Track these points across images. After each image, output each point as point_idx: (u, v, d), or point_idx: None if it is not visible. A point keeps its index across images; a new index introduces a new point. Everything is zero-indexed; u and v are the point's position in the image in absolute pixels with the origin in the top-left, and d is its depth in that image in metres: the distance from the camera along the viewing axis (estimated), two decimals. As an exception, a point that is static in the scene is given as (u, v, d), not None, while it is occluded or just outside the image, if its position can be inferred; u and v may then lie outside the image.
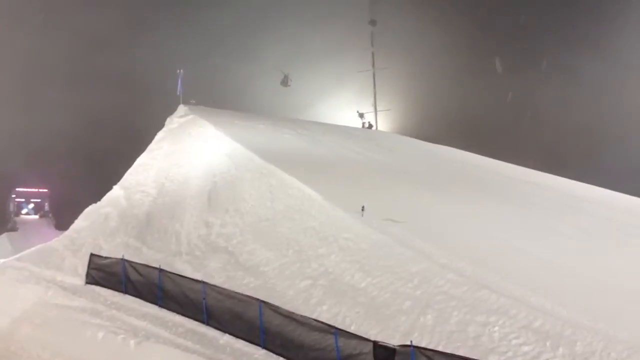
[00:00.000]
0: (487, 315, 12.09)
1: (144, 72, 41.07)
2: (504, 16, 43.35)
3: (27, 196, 46.38)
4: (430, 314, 12.68)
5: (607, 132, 38.51)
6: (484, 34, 44.11)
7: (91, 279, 18.85)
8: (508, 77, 43.03)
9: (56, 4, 41.72)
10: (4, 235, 38.57)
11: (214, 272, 17.13)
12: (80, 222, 23.52)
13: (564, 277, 14.46)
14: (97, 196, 25.01)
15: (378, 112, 49.39)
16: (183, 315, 15.59)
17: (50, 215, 45.33)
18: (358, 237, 16.26)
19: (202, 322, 15.04)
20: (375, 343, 11.44)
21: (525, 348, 11.07)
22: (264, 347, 13.48)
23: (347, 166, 25.53)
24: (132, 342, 13.92)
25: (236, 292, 14.84)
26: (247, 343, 13.83)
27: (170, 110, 30.87)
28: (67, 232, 23.22)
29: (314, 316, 13.28)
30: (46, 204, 46.52)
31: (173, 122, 29.43)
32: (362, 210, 17.35)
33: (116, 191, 24.89)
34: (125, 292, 17.59)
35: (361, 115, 45.19)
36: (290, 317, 13.16)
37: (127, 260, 17.96)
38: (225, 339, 14.21)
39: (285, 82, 43.60)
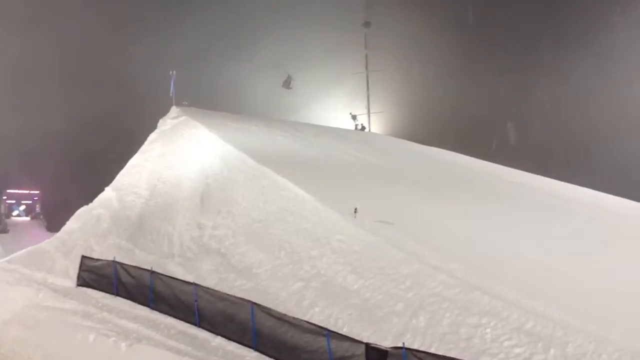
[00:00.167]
0: (479, 317, 12.12)
1: (137, 73, 40.94)
2: (496, 19, 43.55)
3: (18, 198, 46.08)
4: (422, 315, 12.70)
5: (597, 133, 38.76)
6: (476, 37, 44.33)
7: (82, 281, 18.75)
8: (500, 79, 43.20)
9: (48, 4, 41.54)
10: (-5, 237, 38.26)
11: (206, 274, 17.09)
12: (71, 224, 23.42)
13: (555, 278, 14.51)
14: (88, 198, 24.91)
15: (371, 114, 49.47)
16: (175, 317, 15.55)
17: (41, 217, 45.04)
18: (350, 239, 16.27)
19: (194, 324, 15.01)
20: (367, 345, 11.45)
21: (517, 350, 11.11)
22: (256, 349, 13.46)
23: (340, 168, 25.54)
24: (123, 344, 13.85)
25: (228, 294, 14.81)
26: (239, 345, 13.80)
27: (163, 112, 30.80)
28: (58, 234, 23.11)
29: (306, 318, 13.28)
30: (37, 205, 46.23)
31: (165, 124, 29.35)
32: (355, 212, 17.35)
33: (108, 193, 24.79)
34: (117, 294, 17.51)
35: (354, 117, 45.22)
36: (282, 319, 13.15)
37: (118, 262, 17.89)
38: (217, 341, 14.18)
39: (287, 84, 43.58)
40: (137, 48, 42.26)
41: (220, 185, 21.83)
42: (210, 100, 38.02)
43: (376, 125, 49.36)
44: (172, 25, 43.64)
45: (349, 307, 13.72)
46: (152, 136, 28.53)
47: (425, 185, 24.72)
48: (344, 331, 12.64)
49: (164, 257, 18.89)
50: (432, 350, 11.33)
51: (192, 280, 16.00)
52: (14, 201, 45.91)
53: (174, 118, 29.62)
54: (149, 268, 17.07)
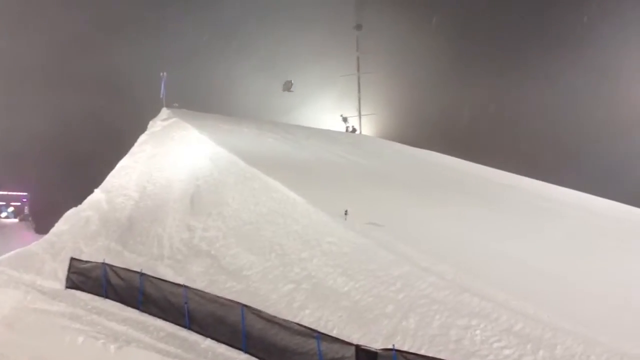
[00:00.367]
0: (468, 318, 12.16)
1: (127, 74, 40.75)
2: (486, 23, 43.79)
3: (7, 199, 45.74)
4: (412, 317, 12.72)
5: (585, 136, 39.08)
6: (467, 40, 44.54)
7: (71, 283, 18.65)
8: (490, 82, 43.42)
9: (36, 4, 41.25)
10: (-17, 239, 37.93)
11: (196, 276, 17.03)
12: (60, 226, 23.27)
13: (544, 280, 14.58)
14: (77, 200, 24.76)
15: (362, 117, 49.58)
16: (164, 319, 15.47)
17: (30, 218, 44.72)
18: (341, 241, 16.27)
19: (184, 326, 14.94)
20: (357, 347, 11.45)
21: (507, 351, 11.15)
22: (246, 352, 13.41)
23: (331, 170, 25.57)
24: (112, 346, 13.77)
25: (218, 296, 14.76)
26: (229, 347, 13.75)
27: (153, 114, 30.70)
28: (47, 236, 22.96)
29: (296, 320, 13.26)
30: (26, 207, 45.92)
31: (156, 125, 29.25)
32: (345, 214, 17.37)
33: (97, 194, 24.66)
34: (106, 296, 17.42)
35: (345, 120, 45.32)
36: (272, 321, 13.12)
37: (107, 264, 17.80)
38: (207, 343, 14.12)
39: (287, 87, 43.61)
40: (127, 49, 42.07)
41: (211, 187, 21.78)
42: (201, 102, 37.94)
43: (367, 127, 49.51)
44: (164, 27, 43.50)
45: (339, 309, 13.72)
46: (142, 138, 28.42)
47: (416, 188, 24.80)
48: (334, 333, 12.63)
49: (153, 259, 18.81)
50: (422, 352, 11.35)
51: (182, 282, 15.93)
52: (2, 203, 45.57)
53: (164, 120, 29.53)
54: (139, 270, 16.99)
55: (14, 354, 14.76)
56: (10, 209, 45.77)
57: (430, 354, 11.08)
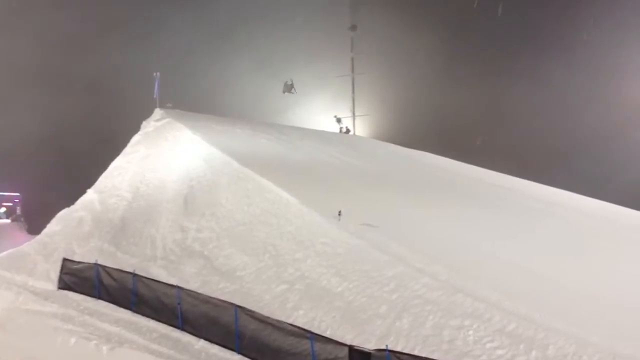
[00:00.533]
0: (461, 319, 12.19)
1: (120, 74, 40.61)
2: (479, 24, 43.94)
3: (-1, 200, 45.52)
4: (406, 318, 12.74)
5: (577, 137, 39.29)
6: (461, 42, 44.67)
7: (63, 284, 18.55)
8: (483, 84, 43.60)
9: (27, 3, 41.01)
10: (-25, 240, 37.69)
11: (190, 277, 16.99)
12: (52, 227, 23.13)
13: (536, 281, 14.65)
14: (70, 200, 24.62)
15: (356, 117, 49.63)
16: (157, 320, 15.43)
17: (22, 219, 44.44)
18: (335, 242, 16.27)
19: (177, 327, 14.91)
20: (350, 347, 11.46)
21: (499, 352, 11.19)
22: (239, 352, 13.41)
23: (325, 171, 25.57)
24: (104, 348, 13.71)
25: (211, 297, 14.74)
26: (222, 348, 13.74)
27: (147, 114, 30.56)
28: (39, 237, 22.81)
29: (290, 321, 13.26)
30: (18, 208, 45.64)
31: (149, 126, 29.12)
32: (339, 214, 17.37)
33: (90, 195, 24.54)
34: (99, 297, 17.35)
35: (339, 120, 45.36)
36: (265, 321, 13.12)
37: (100, 265, 17.73)
38: (201, 344, 14.10)
39: (289, 88, 43.59)
40: (120, 49, 41.91)
41: (204, 187, 21.73)
42: (195, 103, 37.81)
43: (361, 128, 49.57)
44: (158, 27, 43.34)
45: (332, 310, 13.72)
46: (135, 138, 28.31)
47: (409, 188, 24.84)
48: (328, 334, 12.64)
49: (146, 259, 18.74)
50: (416, 352, 11.38)
51: (175, 283, 15.90)
52: (-6, 203, 45.31)
53: (157, 120, 29.41)
54: (132, 271, 16.93)
55: (6, 355, 14.65)
56: (2, 210, 45.46)
57: (424, 355, 11.12)
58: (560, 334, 11.16)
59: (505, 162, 33.96)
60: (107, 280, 17.31)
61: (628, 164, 37.67)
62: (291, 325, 12.79)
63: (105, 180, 25.32)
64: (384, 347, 11.17)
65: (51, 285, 18.72)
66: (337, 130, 43.93)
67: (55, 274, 18.89)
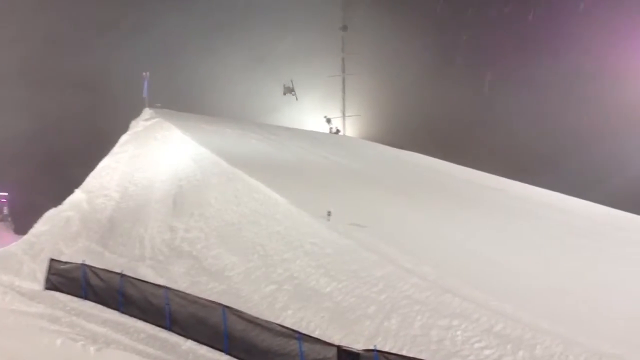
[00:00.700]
0: (450, 319, 12.23)
1: (109, 74, 40.30)
2: (471, 26, 44.13)
3: (-15, 200, 45.08)
4: (394, 318, 12.76)
5: (565, 139, 39.53)
6: (450, 43, 44.84)
7: (50, 285, 18.43)
8: (472, 85, 43.76)
9: (15, 1, 40.58)
10: (-39, 239, 37.33)
11: (178, 277, 16.93)
12: (40, 227, 22.95)
13: (524, 281, 14.73)
14: (58, 200, 24.43)
15: (346, 118, 49.63)
16: (145, 321, 15.35)
17: (9, 219, 44.05)
18: (324, 242, 16.28)
19: (165, 327, 14.84)
20: (339, 347, 11.46)
21: (487, 352, 11.23)
22: (228, 353, 13.37)
23: (314, 171, 25.58)
24: (91, 348, 13.61)
25: (200, 297, 14.69)
26: (210, 349, 13.69)
27: (136, 114, 30.41)
28: (26, 237, 22.64)
29: (278, 321, 13.23)
30: (5, 207, 45.23)
31: (138, 126, 28.98)
32: (328, 215, 17.37)
33: (78, 195, 24.36)
34: (86, 297, 17.25)
35: (328, 121, 45.38)
36: (254, 322, 13.08)
37: (87, 265, 17.60)
38: (188, 344, 14.04)
39: (289, 90, 43.56)
40: (109, 48, 41.62)
41: (193, 187, 21.66)
42: (185, 103, 37.60)
43: (351, 128, 49.57)
44: (147, 26, 43.07)
45: (321, 310, 13.72)
46: (124, 138, 28.16)
47: (399, 189, 24.86)
48: (316, 334, 12.62)
49: (134, 260, 18.64)
50: (404, 353, 11.39)
51: (163, 284, 15.83)
52: (-19, 203, 44.88)
53: (146, 120, 29.28)
54: (119, 271, 16.83)
55: (-9, 356, 14.55)
56: (-11, 209, 45.08)
57: (412, 355, 11.13)
58: (547, 334, 11.22)
59: (493, 163, 34.09)
60: (94, 280, 17.20)
61: (614, 165, 37.94)
62: (280, 325, 12.76)
63: (94, 180, 25.15)
64: (372, 347, 11.18)
65: (38, 285, 18.58)
66: (327, 131, 43.93)
67: (42, 274, 18.76)
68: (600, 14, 38.88)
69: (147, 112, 30.21)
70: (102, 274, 17.13)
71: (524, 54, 41.45)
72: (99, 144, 28.64)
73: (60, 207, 23.89)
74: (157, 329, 14.92)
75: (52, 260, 18.94)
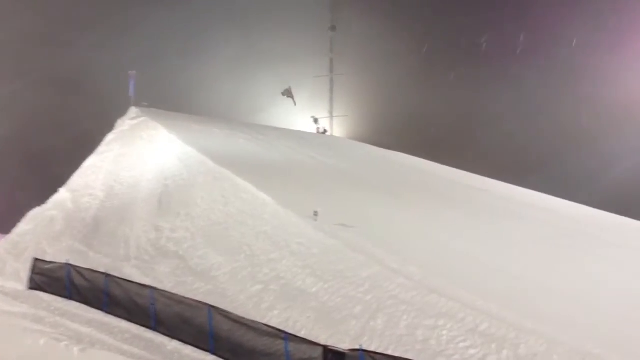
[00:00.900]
0: (435, 319, 12.27)
1: (95, 72, 39.93)
2: (459, 26, 44.29)
3: (-32, 199, 44.59)
4: (380, 318, 12.78)
5: (553, 140, 39.87)
6: (438, 43, 44.99)
7: (34, 284, 18.28)
8: (460, 86, 43.95)
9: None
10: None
11: (164, 277, 16.83)
12: (23, 226, 22.74)
13: (509, 281, 14.83)
14: (42, 199, 24.20)
15: (333, 118, 49.67)
16: (130, 321, 15.25)
17: (-8, 218, 43.66)
18: (310, 242, 16.26)
19: (150, 328, 14.75)
20: (325, 347, 11.46)
21: (472, 351, 11.29)
22: (213, 353, 13.32)
23: (301, 171, 25.57)
24: (75, 349, 13.46)
25: (186, 297, 14.62)
26: (195, 349, 13.64)
27: (122, 113, 30.19)
28: (9, 236, 22.44)
29: (264, 321, 13.21)
30: (-12, 207, 44.83)
31: (124, 125, 28.75)
32: (315, 215, 17.37)
33: (62, 194, 24.15)
34: (70, 297, 17.11)
35: (316, 121, 45.40)
36: (240, 322, 13.05)
37: (71, 265, 17.45)
38: (174, 344, 13.97)
39: (288, 93, 43.51)
40: (95, 46, 41.22)
41: (180, 187, 21.54)
42: (172, 102, 37.37)
43: (338, 128, 49.61)
44: (134, 23, 42.73)
45: (307, 310, 13.71)
46: (110, 137, 27.93)
47: (386, 189, 24.92)
48: (302, 334, 12.62)
49: (120, 259, 18.51)
50: (390, 352, 11.42)
51: (148, 284, 15.73)
52: (-37, 202, 44.35)
53: (132, 119, 29.06)
54: (104, 271, 16.71)
55: (-27, 357, 14.36)
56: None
57: (397, 354, 11.16)
58: (531, 334, 11.31)
59: (480, 164, 34.31)
60: (78, 280, 17.06)
61: (600, 167, 38.30)
62: (266, 325, 12.74)
63: (79, 179, 24.95)
64: (358, 347, 11.19)
65: (21, 285, 18.43)
66: (315, 131, 43.95)
67: (25, 273, 18.62)
68: (592, 14, 39.18)
69: (133, 111, 30.00)
70: (86, 274, 17.00)
71: (512, 54, 41.72)
72: (84, 143, 28.38)
73: (44, 206, 23.68)
74: (142, 329, 14.84)
75: (35, 259, 18.77)
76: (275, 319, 13.56)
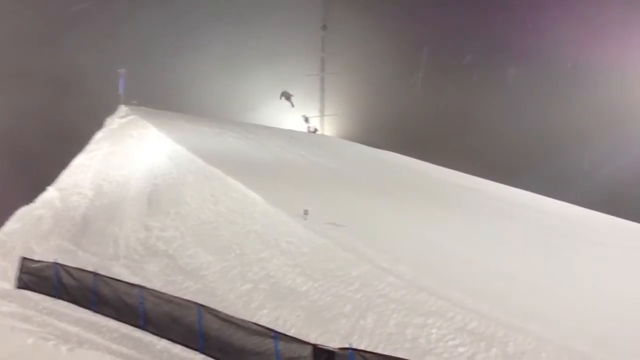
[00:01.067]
0: (425, 317, 12.30)
1: (83, 70, 39.63)
2: (451, 28, 44.41)
3: (-45, 197, 44.18)
4: (370, 317, 12.79)
5: (543, 140, 40.04)
6: (429, 43, 45.09)
7: (22, 284, 18.15)
8: (451, 85, 44.07)
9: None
10: None
11: (153, 276, 16.76)
12: (11, 225, 22.60)
13: (498, 280, 14.90)
14: (29, 198, 24.04)
15: (324, 117, 49.63)
16: (118, 320, 15.16)
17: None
18: (300, 241, 16.25)
19: (139, 327, 14.66)
20: (314, 346, 11.43)
21: (461, 349, 11.31)
22: (203, 352, 13.25)
23: (292, 170, 25.54)
24: (63, 348, 13.36)
25: (175, 296, 14.54)
26: (185, 348, 13.54)
27: (111, 111, 30.03)
28: (-4, 235, 22.26)
29: (254, 320, 13.16)
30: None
31: (113, 123, 28.63)
32: (305, 214, 17.36)
33: (51, 193, 24.01)
34: (58, 296, 16.99)
35: (306, 120, 45.33)
36: (229, 321, 12.98)
37: (60, 264, 17.33)
38: (163, 344, 13.88)
39: (287, 96, 43.48)
40: (82, 42, 40.92)
41: (169, 186, 21.46)
42: (162, 100, 37.17)
43: (329, 127, 49.59)
44: (123, 20, 42.45)
45: (297, 309, 13.69)
46: (99, 135, 27.78)
47: (376, 188, 24.95)
48: (292, 332, 12.59)
49: (108, 258, 18.42)
50: (379, 351, 11.40)
51: (137, 283, 15.65)
52: (-50, 201, 43.92)
53: (122, 117, 28.94)
54: (92, 270, 16.61)
55: (-40, 357, 14.23)
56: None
57: (387, 353, 11.15)
58: (520, 332, 11.35)
59: (470, 163, 34.39)
60: (66, 279, 16.94)
61: (591, 167, 38.51)
62: (255, 324, 12.68)
63: (67, 177, 24.81)
64: (347, 345, 11.17)
65: (9, 284, 18.31)
66: (305, 130, 43.90)
67: (13, 272, 18.47)
68: (582, 13, 39.37)
69: (122, 109, 29.87)
70: (74, 273, 16.88)
71: (501, 55, 41.89)
72: (72, 142, 28.20)
73: (32, 205, 23.55)
74: (131, 328, 14.73)
75: (23, 258, 18.64)
76: (264, 318, 13.54)
